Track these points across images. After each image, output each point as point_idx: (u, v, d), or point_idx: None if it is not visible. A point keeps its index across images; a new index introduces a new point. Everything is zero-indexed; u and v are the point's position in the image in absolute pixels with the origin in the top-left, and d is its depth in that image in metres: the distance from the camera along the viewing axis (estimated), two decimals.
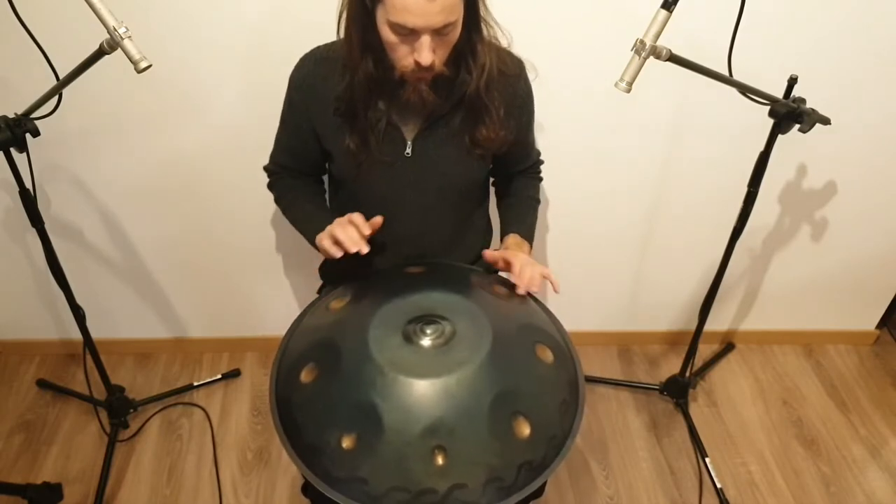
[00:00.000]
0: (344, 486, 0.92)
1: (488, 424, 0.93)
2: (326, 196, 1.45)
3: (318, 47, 1.23)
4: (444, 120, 1.20)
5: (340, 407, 0.97)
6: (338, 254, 1.15)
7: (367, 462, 0.92)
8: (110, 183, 1.76)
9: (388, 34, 1.04)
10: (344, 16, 1.10)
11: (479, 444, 0.92)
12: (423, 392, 0.94)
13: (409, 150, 1.22)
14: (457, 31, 1.07)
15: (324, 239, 1.19)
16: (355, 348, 1.01)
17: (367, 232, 1.16)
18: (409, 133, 1.21)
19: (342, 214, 1.39)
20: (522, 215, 1.40)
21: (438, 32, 1.02)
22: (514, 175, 1.43)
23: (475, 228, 1.45)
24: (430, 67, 1.05)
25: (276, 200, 1.38)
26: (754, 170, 1.51)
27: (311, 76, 1.21)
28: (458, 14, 1.03)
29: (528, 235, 1.38)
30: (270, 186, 1.39)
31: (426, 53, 1.03)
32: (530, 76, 1.27)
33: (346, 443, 0.93)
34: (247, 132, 1.66)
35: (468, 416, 0.93)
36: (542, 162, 1.46)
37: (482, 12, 1.10)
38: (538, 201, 1.44)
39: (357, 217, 1.18)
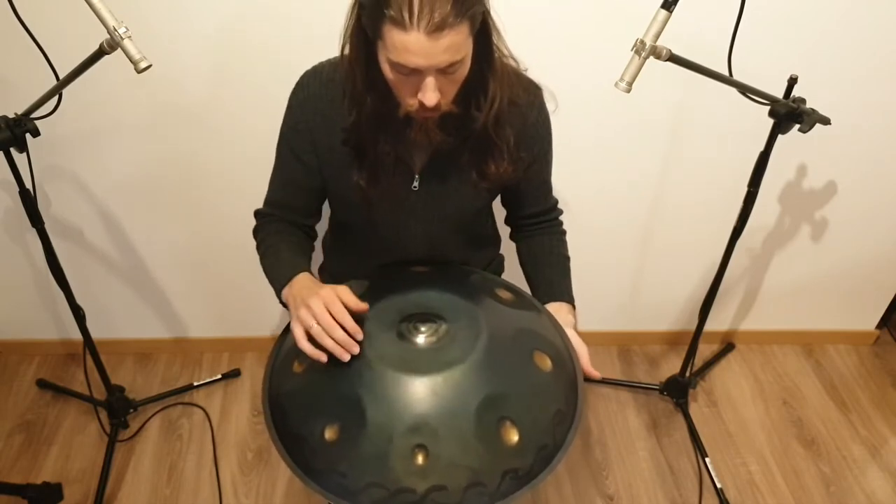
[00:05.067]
0: (322, 478, 0.91)
1: (474, 427, 0.91)
2: (312, 248, 1.31)
3: (322, 66, 1.13)
4: (451, 154, 1.13)
5: (326, 398, 0.96)
6: (311, 350, 0.95)
7: (347, 455, 0.90)
8: (110, 183, 1.76)
9: (389, 73, 0.96)
10: (347, 48, 1.01)
11: (462, 446, 0.90)
12: (409, 389, 0.93)
13: (416, 184, 1.17)
14: (465, 69, 0.97)
15: (295, 322, 0.99)
16: None
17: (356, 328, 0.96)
18: (416, 166, 1.17)
19: (343, 246, 1.33)
20: (558, 279, 1.30)
21: (444, 72, 0.93)
22: (532, 225, 1.34)
23: (482, 243, 1.41)
24: (437, 108, 0.97)
25: (258, 248, 1.24)
26: (754, 170, 1.51)
27: (316, 98, 1.11)
28: (465, 51, 0.93)
29: (570, 298, 1.27)
30: (255, 232, 1.26)
31: (430, 95, 0.94)
32: (549, 107, 1.18)
33: (329, 434, 0.92)
34: (247, 133, 1.66)
35: (453, 417, 0.91)
36: (560, 211, 1.37)
37: (495, 40, 1.00)
38: (569, 258, 1.34)
39: (346, 294, 0.97)
